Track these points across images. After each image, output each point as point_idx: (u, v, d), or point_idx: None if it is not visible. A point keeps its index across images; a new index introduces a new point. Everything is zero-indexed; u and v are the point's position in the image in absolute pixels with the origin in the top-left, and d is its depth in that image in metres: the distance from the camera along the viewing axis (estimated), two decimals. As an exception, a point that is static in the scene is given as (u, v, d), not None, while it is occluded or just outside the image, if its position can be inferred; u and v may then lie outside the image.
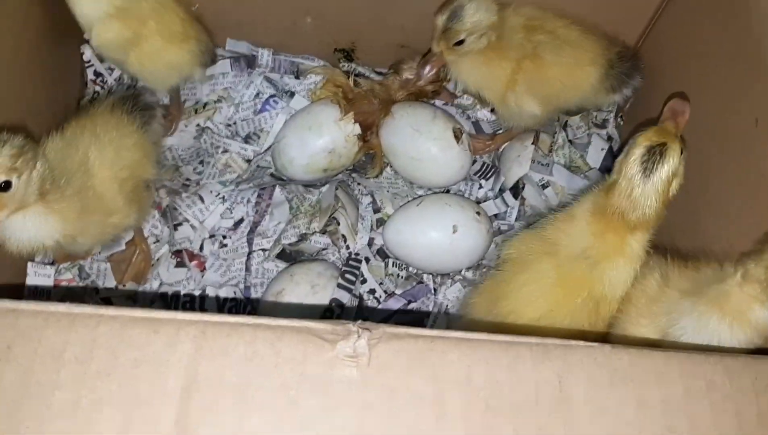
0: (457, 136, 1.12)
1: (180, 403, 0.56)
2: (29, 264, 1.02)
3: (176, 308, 1.02)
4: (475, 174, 1.20)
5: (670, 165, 0.82)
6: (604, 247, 0.86)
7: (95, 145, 0.91)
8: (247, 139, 1.19)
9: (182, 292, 1.03)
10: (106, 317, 0.60)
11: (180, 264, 1.07)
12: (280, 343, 0.60)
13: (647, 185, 0.82)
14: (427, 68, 1.11)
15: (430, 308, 1.08)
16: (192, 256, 1.08)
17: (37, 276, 1.01)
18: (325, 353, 0.59)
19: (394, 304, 1.06)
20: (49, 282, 1.02)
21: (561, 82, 1.07)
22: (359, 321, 0.62)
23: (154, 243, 1.09)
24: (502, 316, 0.89)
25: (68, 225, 0.86)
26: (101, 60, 1.18)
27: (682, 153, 0.83)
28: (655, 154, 0.81)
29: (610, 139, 1.24)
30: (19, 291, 1.02)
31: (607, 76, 1.09)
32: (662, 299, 0.84)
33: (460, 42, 1.04)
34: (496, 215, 1.16)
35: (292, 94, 1.21)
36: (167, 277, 1.06)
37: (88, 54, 1.18)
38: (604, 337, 0.87)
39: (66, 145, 0.90)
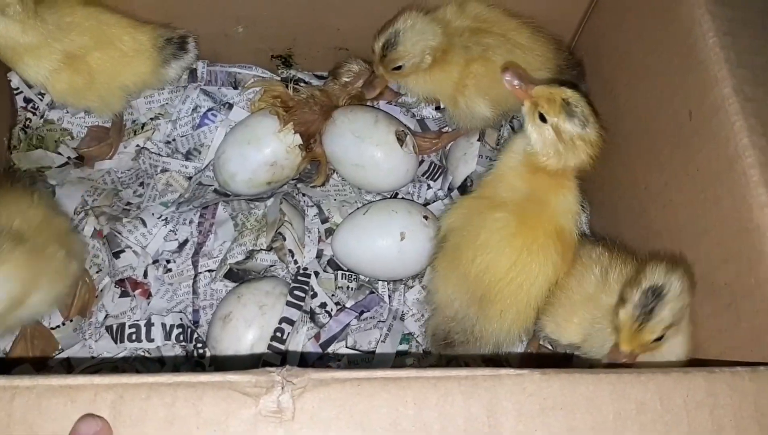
0: (401, 139, 1.10)
1: (99, 477, 0.55)
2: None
3: (122, 341, 1.00)
4: (423, 175, 1.19)
5: (583, 103, 0.86)
6: (545, 188, 0.91)
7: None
8: (187, 156, 1.17)
9: (127, 323, 1.01)
10: (22, 388, 0.58)
11: (125, 293, 1.05)
12: (200, 403, 0.58)
13: (591, 127, 0.87)
14: (371, 91, 1.11)
15: (385, 317, 1.07)
16: (136, 285, 1.06)
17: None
18: (248, 410, 0.58)
19: (346, 317, 1.04)
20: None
21: None
22: (285, 367, 0.61)
23: (97, 272, 1.06)
24: (478, 277, 0.90)
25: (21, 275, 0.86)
26: (29, 86, 1.15)
27: (573, 100, 0.86)
28: (572, 108, 0.86)
29: (556, 127, 1.22)
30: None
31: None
32: (594, 303, 0.87)
33: (399, 67, 1.04)
34: (446, 215, 1.15)
35: (230, 106, 1.18)
36: (112, 308, 1.04)
37: (15, 81, 1.14)
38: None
39: None
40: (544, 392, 0.61)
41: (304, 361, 1.02)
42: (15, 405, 0.58)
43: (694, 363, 0.81)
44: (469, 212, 0.94)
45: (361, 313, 1.06)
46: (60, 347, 1.01)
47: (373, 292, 1.08)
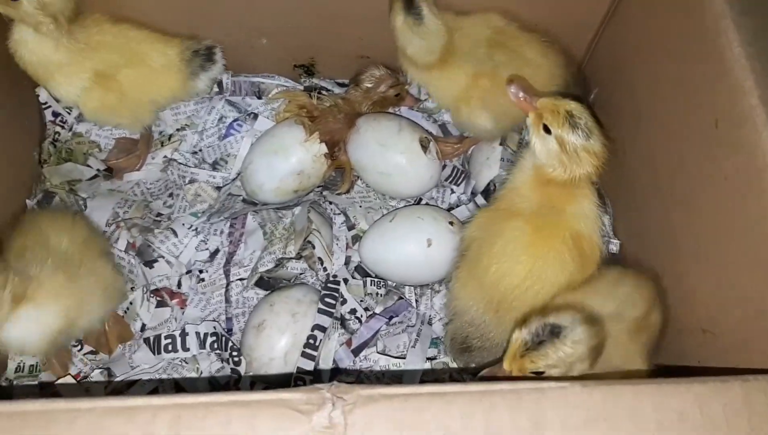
0: (425, 145, 1.12)
1: (161, 496, 0.57)
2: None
3: (159, 352, 1.02)
4: (446, 179, 1.20)
5: (586, 116, 0.88)
6: (559, 197, 0.93)
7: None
8: (214, 166, 1.19)
9: (163, 335, 1.03)
10: (82, 410, 0.60)
11: (161, 303, 1.07)
12: (255, 421, 0.60)
13: (594, 138, 0.88)
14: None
15: (413, 321, 1.09)
16: (172, 295, 1.08)
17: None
18: (302, 426, 0.60)
19: (376, 323, 1.06)
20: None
21: None
22: (333, 383, 0.63)
23: (131, 288, 1.08)
24: (494, 284, 0.93)
25: (65, 303, 0.87)
26: (57, 100, 1.16)
27: (576, 112, 0.88)
28: (575, 122, 0.88)
29: (577, 130, 1.23)
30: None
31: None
32: None
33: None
34: (470, 219, 1.17)
35: (255, 116, 1.20)
36: (149, 318, 1.06)
37: (44, 96, 1.16)
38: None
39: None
40: (587, 404, 0.63)
41: (337, 367, 1.04)
42: (76, 427, 0.60)
43: (729, 371, 0.82)
44: (487, 222, 0.97)
45: (390, 318, 1.08)
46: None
47: (402, 298, 1.10)
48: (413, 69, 1.11)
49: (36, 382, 0.99)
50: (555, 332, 0.80)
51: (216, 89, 1.21)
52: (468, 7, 1.11)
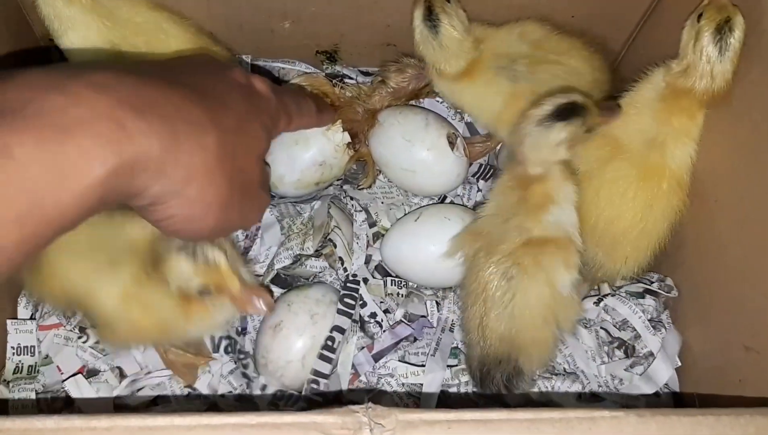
0: (452, 142, 1.07)
1: None
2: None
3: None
4: (472, 175, 1.15)
5: (738, 35, 0.85)
6: (670, 130, 0.93)
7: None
8: (231, 156, 1.13)
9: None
10: (99, 429, 0.56)
11: (173, 299, 1.02)
12: (287, 446, 0.56)
13: (725, 61, 0.86)
14: None
15: (434, 325, 1.04)
16: (184, 291, 1.03)
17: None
18: (337, 454, 0.56)
19: (401, 331, 1.02)
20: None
21: None
22: (369, 406, 0.59)
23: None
24: (603, 230, 0.96)
25: None
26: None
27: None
28: (724, 31, 0.85)
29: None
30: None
31: None
32: None
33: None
34: (496, 219, 1.12)
35: (274, 105, 1.14)
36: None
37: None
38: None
39: None
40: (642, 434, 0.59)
41: (355, 371, 1.00)
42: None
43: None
44: (592, 159, 0.97)
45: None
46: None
47: (423, 301, 1.05)
48: (436, 77, 1.07)
49: (32, 387, 0.94)
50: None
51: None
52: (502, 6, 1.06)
